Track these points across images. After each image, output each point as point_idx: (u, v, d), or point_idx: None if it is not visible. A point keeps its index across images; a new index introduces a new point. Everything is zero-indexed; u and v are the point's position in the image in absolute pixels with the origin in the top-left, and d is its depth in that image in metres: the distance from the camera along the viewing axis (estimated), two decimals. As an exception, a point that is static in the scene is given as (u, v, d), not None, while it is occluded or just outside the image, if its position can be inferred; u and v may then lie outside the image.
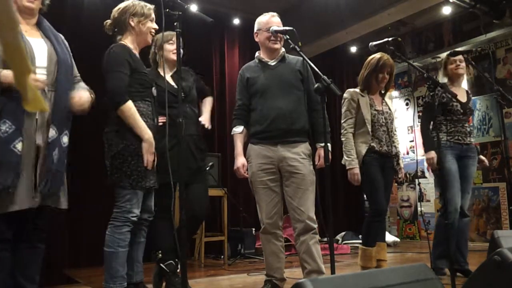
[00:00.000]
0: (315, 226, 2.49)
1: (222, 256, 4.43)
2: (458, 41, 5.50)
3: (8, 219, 1.86)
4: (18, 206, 1.83)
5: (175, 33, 2.71)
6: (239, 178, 2.70)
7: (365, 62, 3.15)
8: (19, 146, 1.84)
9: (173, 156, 2.27)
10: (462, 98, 3.32)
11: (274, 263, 2.58)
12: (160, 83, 2.58)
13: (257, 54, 2.75)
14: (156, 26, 2.42)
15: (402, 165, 3.18)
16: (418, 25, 5.84)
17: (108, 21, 2.43)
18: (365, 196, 3.20)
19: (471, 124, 5.46)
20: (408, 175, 6.17)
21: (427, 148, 3.22)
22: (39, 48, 2.00)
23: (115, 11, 2.40)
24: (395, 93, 6.48)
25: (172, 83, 2.76)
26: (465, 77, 5.48)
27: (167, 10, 1.91)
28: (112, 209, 2.27)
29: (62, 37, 2.17)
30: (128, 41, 2.39)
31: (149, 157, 2.26)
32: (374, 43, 2.69)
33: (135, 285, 2.39)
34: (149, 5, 2.41)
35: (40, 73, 1.95)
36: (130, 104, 2.23)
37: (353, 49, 6.13)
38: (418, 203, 5.98)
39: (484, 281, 1.33)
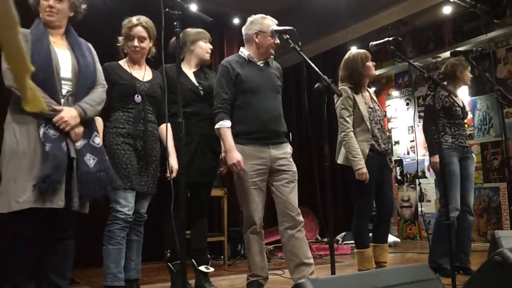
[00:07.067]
0: (303, 220, 2.57)
1: (222, 257, 4.42)
2: (459, 40, 5.49)
3: (26, 217, 1.88)
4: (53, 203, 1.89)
5: (208, 34, 2.92)
6: (236, 173, 2.63)
7: (343, 62, 3.09)
8: (64, 147, 1.95)
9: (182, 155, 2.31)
10: (461, 102, 3.38)
11: (261, 262, 2.60)
12: (182, 80, 2.61)
13: (245, 51, 2.70)
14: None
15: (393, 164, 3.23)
16: (418, 24, 5.84)
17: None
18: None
19: (472, 124, 5.47)
20: (408, 175, 6.17)
21: (431, 151, 3.29)
22: (65, 60, 2.06)
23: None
24: (395, 93, 6.47)
25: (194, 80, 2.83)
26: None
27: (167, 9, 1.90)
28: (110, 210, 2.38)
29: (89, 45, 2.24)
30: None
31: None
32: (375, 42, 2.68)
33: (129, 282, 2.42)
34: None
35: (66, 84, 2.03)
36: None
37: (354, 49, 6.11)
38: (419, 203, 5.97)
39: (484, 281, 1.33)
